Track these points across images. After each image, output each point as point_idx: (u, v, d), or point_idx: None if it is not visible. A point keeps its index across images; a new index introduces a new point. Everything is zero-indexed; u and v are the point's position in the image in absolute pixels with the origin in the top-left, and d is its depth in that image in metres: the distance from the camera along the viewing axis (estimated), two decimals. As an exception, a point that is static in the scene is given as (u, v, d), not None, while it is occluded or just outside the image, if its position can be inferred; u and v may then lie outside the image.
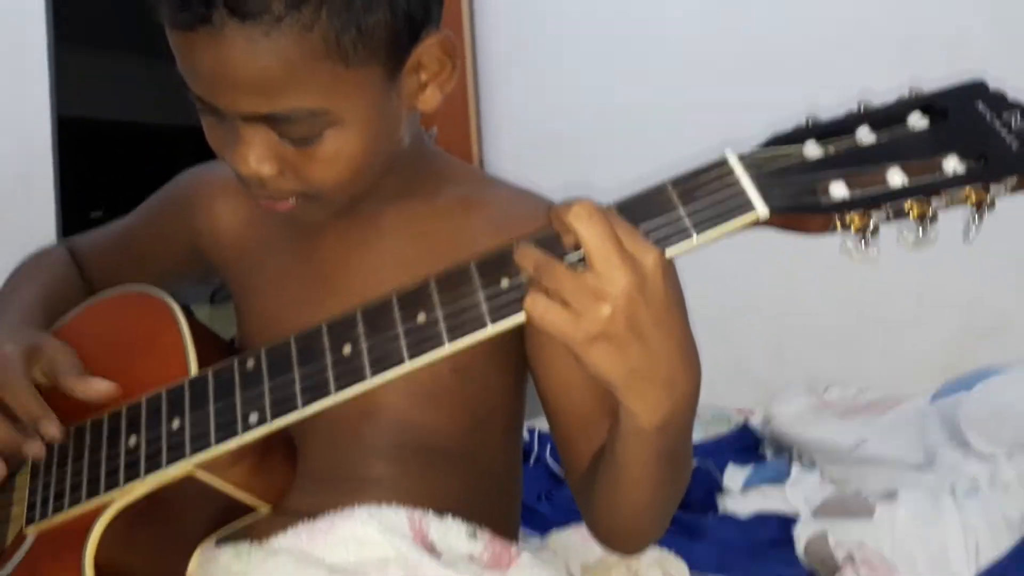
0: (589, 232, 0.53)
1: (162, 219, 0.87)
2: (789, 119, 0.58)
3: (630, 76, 2.12)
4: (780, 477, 1.63)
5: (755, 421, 1.85)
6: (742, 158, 0.56)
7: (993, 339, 1.81)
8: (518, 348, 0.77)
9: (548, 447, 1.68)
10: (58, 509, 0.71)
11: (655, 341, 0.55)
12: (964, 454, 1.49)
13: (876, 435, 1.61)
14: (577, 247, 0.55)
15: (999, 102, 0.54)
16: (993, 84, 0.56)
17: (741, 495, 1.59)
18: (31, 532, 0.72)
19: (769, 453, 1.77)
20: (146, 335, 0.75)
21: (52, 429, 0.70)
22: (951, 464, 1.48)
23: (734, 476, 1.64)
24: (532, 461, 1.70)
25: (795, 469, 1.63)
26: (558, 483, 1.59)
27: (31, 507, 0.73)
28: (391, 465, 0.77)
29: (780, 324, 2.05)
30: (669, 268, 0.56)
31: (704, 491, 1.59)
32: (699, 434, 1.82)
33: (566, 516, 1.10)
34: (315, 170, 0.66)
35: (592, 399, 0.72)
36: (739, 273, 1.99)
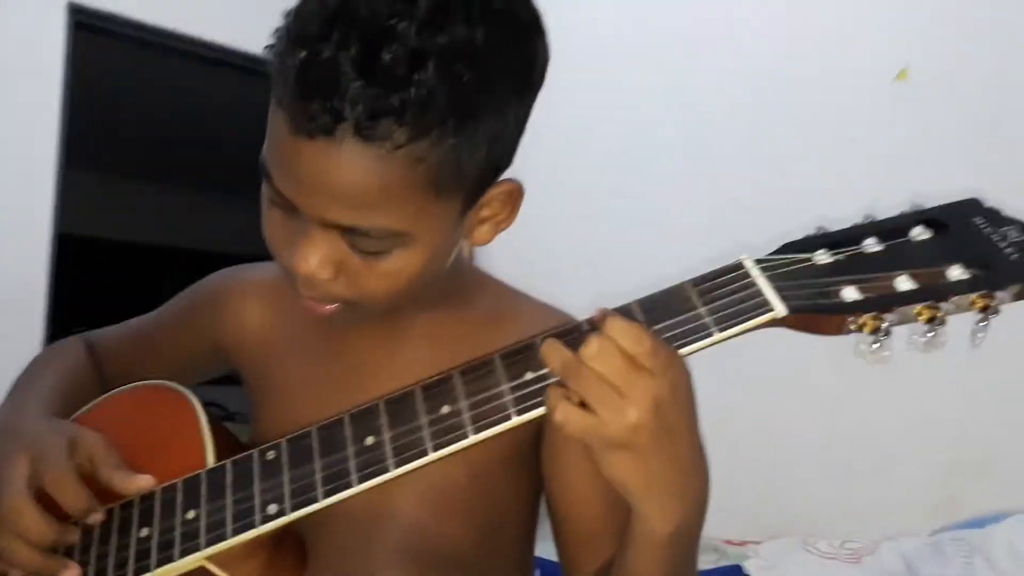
0: (621, 340, 0.54)
1: (188, 314, 0.89)
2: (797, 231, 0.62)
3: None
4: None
5: (741, 552, 1.83)
6: (758, 261, 0.59)
7: (981, 473, 1.82)
8: (534, 457, 0.78)
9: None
10: (62, 603, 0.69)
11: (674, 450, 0.56)
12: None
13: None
14: None
15: (995, 217, 0.59)
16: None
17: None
18: None
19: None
20: (165, 428, 0.75)
21: (99, 519, 0.70)
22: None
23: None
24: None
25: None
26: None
27: (36, 600, 0.71)
28: (401, 571, 0.76)
29: (767, 458, 2.05)
30: (689, 375, 0.57)
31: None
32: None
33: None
34: (372, 282, 0.66)
35: (602, 515, 0.73)
36: (726, 407, 2.00)
